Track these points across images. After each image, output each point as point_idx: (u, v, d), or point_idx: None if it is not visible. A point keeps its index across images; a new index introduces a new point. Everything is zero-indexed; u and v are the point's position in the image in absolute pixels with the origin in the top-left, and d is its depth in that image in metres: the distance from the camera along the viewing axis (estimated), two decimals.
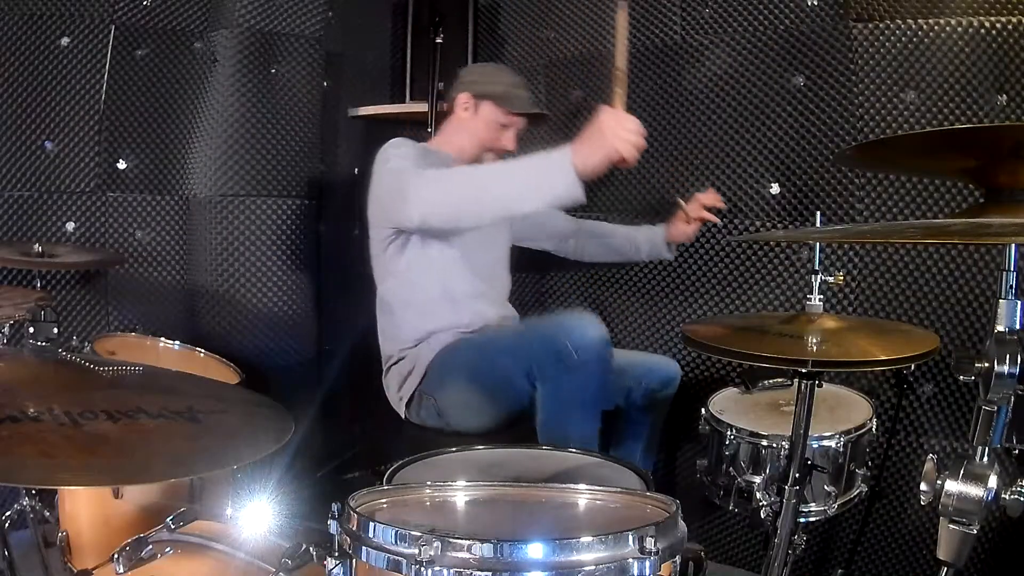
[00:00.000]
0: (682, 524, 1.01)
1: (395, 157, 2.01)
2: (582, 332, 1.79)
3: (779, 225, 2.31)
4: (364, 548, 0.94)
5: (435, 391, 2.03)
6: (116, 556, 1.07)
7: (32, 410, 0.90)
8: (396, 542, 0.92)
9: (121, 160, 2.56)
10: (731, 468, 1.67)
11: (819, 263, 1.53)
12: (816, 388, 1.43)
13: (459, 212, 1.83)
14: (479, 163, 2.22)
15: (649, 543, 0.90)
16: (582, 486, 1.13)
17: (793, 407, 1.45)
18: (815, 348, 1.36)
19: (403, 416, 2.13)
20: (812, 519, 1.63)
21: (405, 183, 1.87)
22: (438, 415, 2.01)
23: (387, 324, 2.20)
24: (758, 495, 1.59)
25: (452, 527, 1.01)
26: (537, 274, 2.83)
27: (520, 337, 1.99)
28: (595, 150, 1.66)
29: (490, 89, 2.17)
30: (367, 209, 2.11)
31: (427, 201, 1.83)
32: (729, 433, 1.68)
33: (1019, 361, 1.12)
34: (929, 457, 1.23)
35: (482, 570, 0.89)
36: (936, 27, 2.04)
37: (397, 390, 2.14)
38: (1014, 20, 1.96)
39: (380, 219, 2.08)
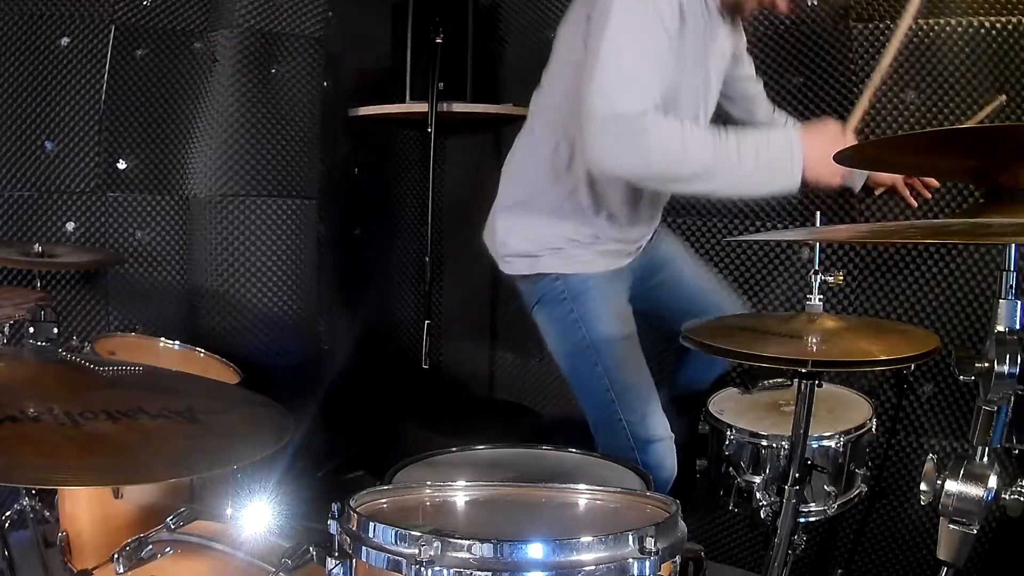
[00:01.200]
0: (682, 524, 1.01)
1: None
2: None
3: (779, 225, 2.31)
4: (364, 548, 0.94)
5: (540, 304, 1.86)
6: (116, 556, 1.07)
7: (32, 410, 0.90)
8: (396, 542, 0.92)
9: (121, 160, 2.56)
10: (731, 468, 1.67)
11: (819, 263, 1.53)
12: (816, 388, 1.43)
13: (669, 181, 1.63)
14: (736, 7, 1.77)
15: (649, 543, 0.90)
16: (582, 486, 1.13)
17: (793, 407, 1.45)
18: (815, 348, 1.36)
19: (492, 250, 1.93)
20: (812, 519, 1.63)
21: (635, 126, 1.51)
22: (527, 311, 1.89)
23: (542, 164, 1.81)
24: (758, 495, 1.59)
25: (452, 527, 1.01)
26: None
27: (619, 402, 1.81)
28: (823, 174, 1.58)
29: None
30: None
31: (642, 162, 1.55)
32: (729, 433, 1.68)
33: (1019, 361, 1.12)
34: (929, 457, 1.23)
35: (482, 570, 0.89)
36: (936, 27, 2.03)
37: (507, 241, 1.87)
38: (1014, 20, 1.95)
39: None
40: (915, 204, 2.03)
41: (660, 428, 1.81)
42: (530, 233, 1.84)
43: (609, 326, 1.81)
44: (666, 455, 1.81)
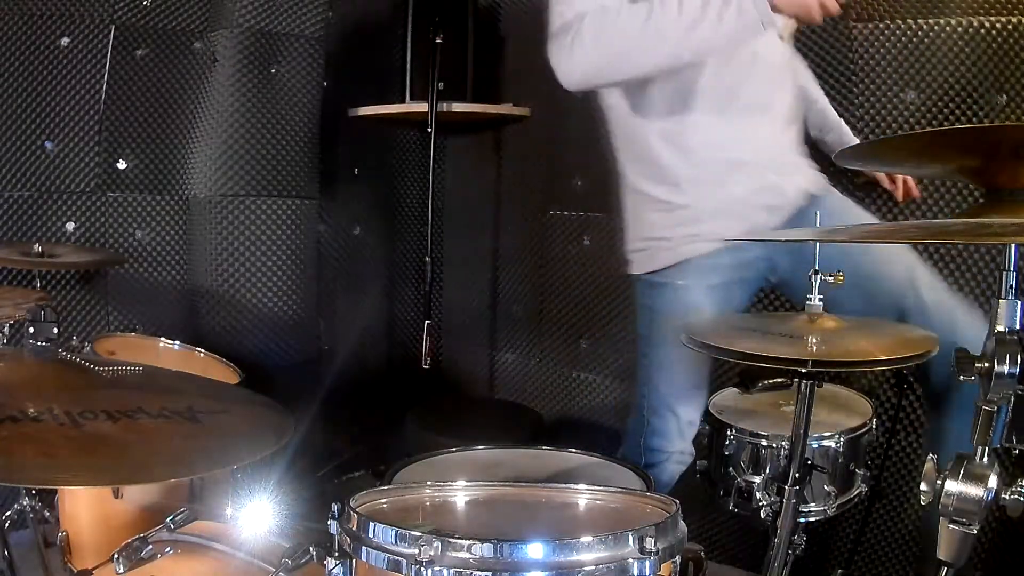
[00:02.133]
0: (682, 524, 1.01)
1: None
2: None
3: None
4: (364, 548, 0.94)
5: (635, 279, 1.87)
6: (116, 556, 1.07)
7: (32, 410, 0.90)
8: (396, 542, 0.92)
9: (121, 160, 2.56)
10: (731, 468, 1.67)
11: (819, 263, 1.53)
12: (816, 388, 1.42)
13: (625, 66, 1.63)
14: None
15: (649, 543, 0.90)
16: (582, 486, 1.13)
17: (793, 407, 1.45)
18: (815, 348, 1.36)
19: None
20: (812, 519, 1.63)
21: (570, 31, 1.65)
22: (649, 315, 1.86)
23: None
24: (758, 495, 1.59)
25: (452, 527, 1.01)
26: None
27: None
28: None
29: None
30: None
31: (584, 52, 1.62)
32: (729, 433, 1.68)
33: (1019, 361, 1.12)
34: (929, 457, 1.23)
35: (482, 570, 0.89)
36: (936, 27, 2.04)
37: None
38: (1014, 20, 1.95)
39: None
40: (900, 197, 2.03)
41: (674, 442, 1.84)
42: (632, 228, 1.88)
43: (665, 331, 1.81)
44: (669, 461, 1.84)
